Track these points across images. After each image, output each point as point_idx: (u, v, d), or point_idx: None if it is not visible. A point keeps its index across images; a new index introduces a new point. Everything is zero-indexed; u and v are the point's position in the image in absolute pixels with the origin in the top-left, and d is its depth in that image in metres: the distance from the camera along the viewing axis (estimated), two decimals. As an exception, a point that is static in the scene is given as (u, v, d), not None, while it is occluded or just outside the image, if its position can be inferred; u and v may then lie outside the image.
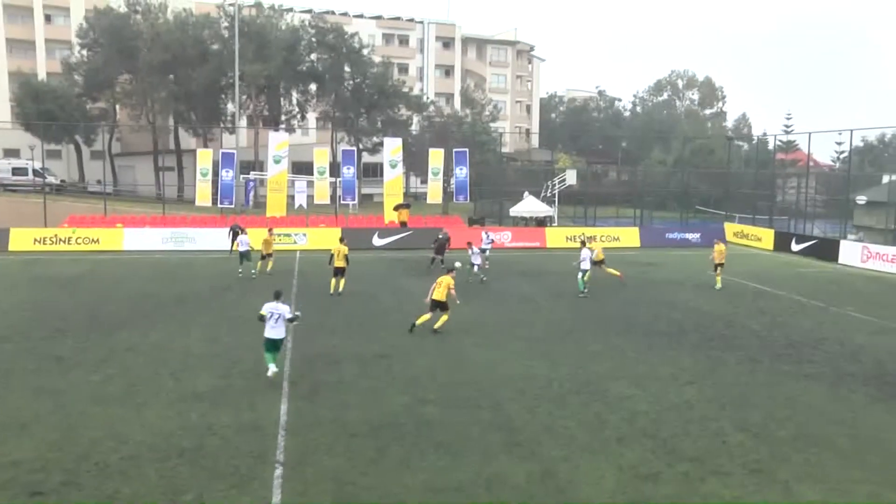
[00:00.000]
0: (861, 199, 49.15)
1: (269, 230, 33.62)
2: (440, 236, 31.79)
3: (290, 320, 16.18)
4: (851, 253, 38.71)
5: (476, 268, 30.20)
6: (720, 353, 19.22)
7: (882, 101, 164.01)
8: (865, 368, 18.06)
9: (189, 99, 65.99)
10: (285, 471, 11.38)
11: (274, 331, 15.84)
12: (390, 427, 13.30)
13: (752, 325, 22.51)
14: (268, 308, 15.92)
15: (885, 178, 52.69)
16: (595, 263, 28.58)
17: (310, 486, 10.90)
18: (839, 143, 66.38)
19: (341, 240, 28.03)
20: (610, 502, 10.58)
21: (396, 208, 46.40)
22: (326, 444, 12.47)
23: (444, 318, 20.85)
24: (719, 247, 30.11)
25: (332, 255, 26.78)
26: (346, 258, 26.69)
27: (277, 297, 16.20)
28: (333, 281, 26.64)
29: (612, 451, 12.40)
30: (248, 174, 56.93)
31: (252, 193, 57.57)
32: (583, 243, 29.02)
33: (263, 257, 31.38)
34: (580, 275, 27.43)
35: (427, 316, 20.79)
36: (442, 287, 20.65)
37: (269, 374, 15.78)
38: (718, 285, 29.32)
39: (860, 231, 48.05)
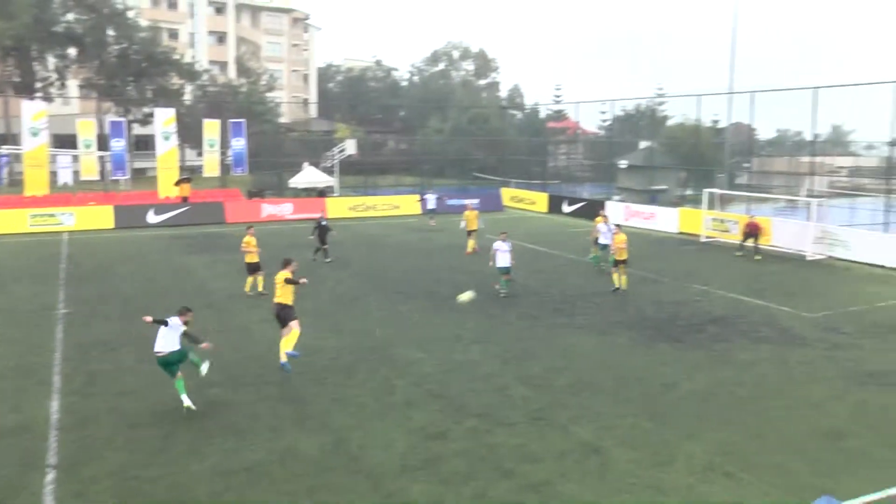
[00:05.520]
0: (623, 164, 53.15)
1: (248, 228, 23.58)
2: (323, 223, 28.27)
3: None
4: (616, 213, 41.83)
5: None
6: (502, 312, 20.16)
7: (640, 74, 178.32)
8: (629, 316, 19.76)
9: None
10: (59, 474, 10.52)
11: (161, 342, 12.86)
12: (174, 413, 12.71)
13: (530, 284, 23.75)
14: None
15: (642, 144, 57.15)
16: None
17: (88, 486, 10.18)
18: (603, 113, 71.19)
19: (248, 228, 23.32)
20: (402, 464, 10.82)
21: (178, 183, 44.14)
22: (105, 439, 11.70)
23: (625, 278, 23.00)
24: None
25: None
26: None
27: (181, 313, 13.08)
28: (250, 279, 22.49)
29: (401, 415, 12.67)
30: (0, 149, 51.82)
31: (6, 170, 52.50)
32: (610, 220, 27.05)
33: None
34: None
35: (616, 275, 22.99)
36: (625, 246, 22.71)
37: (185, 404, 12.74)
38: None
39: (622, 192, 52.04)
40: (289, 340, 14.69)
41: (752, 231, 30.06)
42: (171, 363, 12.81)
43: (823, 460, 11.06)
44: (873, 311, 20.71)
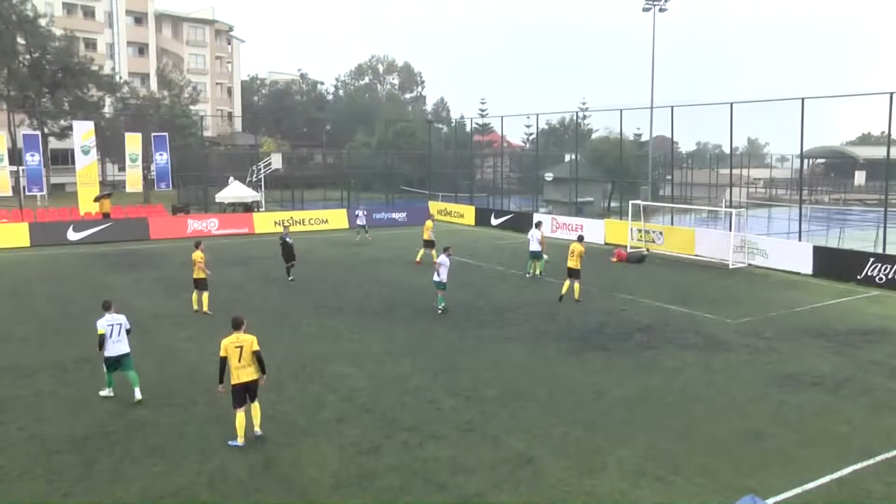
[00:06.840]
0: (549, 176, 54.00)
1: (197, 244, 22.44)
2: (288, 239, 27.18)
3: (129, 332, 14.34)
4: (543, 224, 42.38)
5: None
6: (430, 325, 20.17)
7: (563, 87, 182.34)
8: (558, 327, 19.98)
9: None
10: (-35, 509, 10.04)
11: (118, 346, 14.02)
12: (97, 437, 12.30)
13: (458, 296, 23.80)
14: (104, 322, 13.93)
15: (567, 157, 58.15)
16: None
17: (1, 516, 9.74)
18: (528, 126, 72.68)
19: (197, 245, 22.18)
20: (335, 481, 10.68)
21: (98, 199, 42.80)
22: (20, 469, 11.17)
23: (577, 286, 23.24)
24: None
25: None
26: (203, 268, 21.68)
27: (108, 307, 14.17)
28: (195, 295, 21.98)
29: (332, 431, 12.53)
30: None
31: None
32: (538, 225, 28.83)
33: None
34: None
35: (567, 284, 23.37)
36: (575, 256, 23.08)
37: (104, 393, 14.32)
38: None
39: (549, 204, 52.79)
40: (256, 416, 12.38)
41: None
42: (123, 363, 13.96)
43: (746, 460, 11.38)
44: (790, 316, 21.49)
